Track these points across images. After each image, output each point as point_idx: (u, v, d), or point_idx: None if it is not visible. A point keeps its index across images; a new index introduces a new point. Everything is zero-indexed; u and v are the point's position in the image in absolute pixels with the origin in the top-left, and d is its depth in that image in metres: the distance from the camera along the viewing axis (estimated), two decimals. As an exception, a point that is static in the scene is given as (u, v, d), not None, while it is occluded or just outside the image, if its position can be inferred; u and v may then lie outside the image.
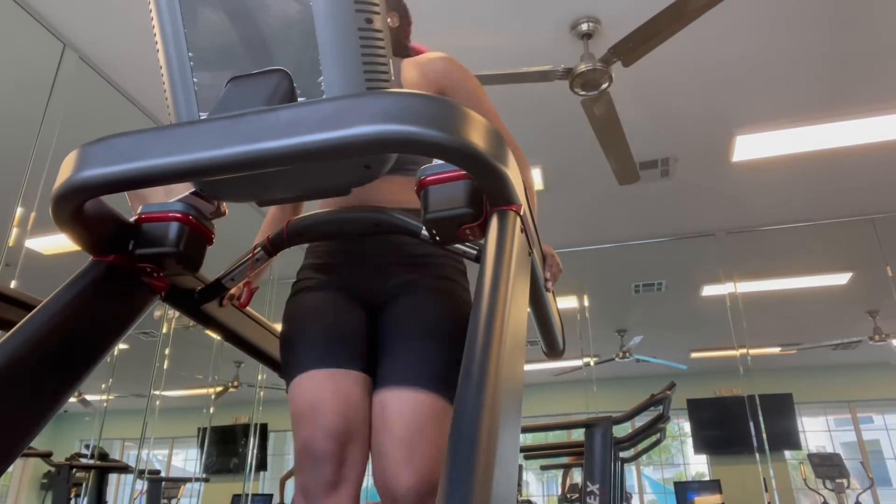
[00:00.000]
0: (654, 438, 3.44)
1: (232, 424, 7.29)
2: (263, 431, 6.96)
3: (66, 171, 0.67)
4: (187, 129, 0.65)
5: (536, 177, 4.51)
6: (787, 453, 7.02)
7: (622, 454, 3.37)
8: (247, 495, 6.29)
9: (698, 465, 8.04)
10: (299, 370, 1.09)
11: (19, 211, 3.14)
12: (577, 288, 6.28)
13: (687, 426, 7.62)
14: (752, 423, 5.36)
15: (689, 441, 7.50)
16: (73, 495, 4.73)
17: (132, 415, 6.06)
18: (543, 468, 6.90)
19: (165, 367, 5.43)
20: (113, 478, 5.99)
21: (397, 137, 0.60)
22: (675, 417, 7.19)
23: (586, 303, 6.29)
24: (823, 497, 5.98)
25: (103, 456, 6.14)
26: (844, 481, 5.70)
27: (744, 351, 5.51)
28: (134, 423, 5.63)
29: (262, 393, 6.33)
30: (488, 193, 0.76)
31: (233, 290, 1.08)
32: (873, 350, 6.45)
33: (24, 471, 7.06)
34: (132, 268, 0.85)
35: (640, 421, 3.28)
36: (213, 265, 0.99)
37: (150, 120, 3.81)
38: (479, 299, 0.65)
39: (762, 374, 5.81)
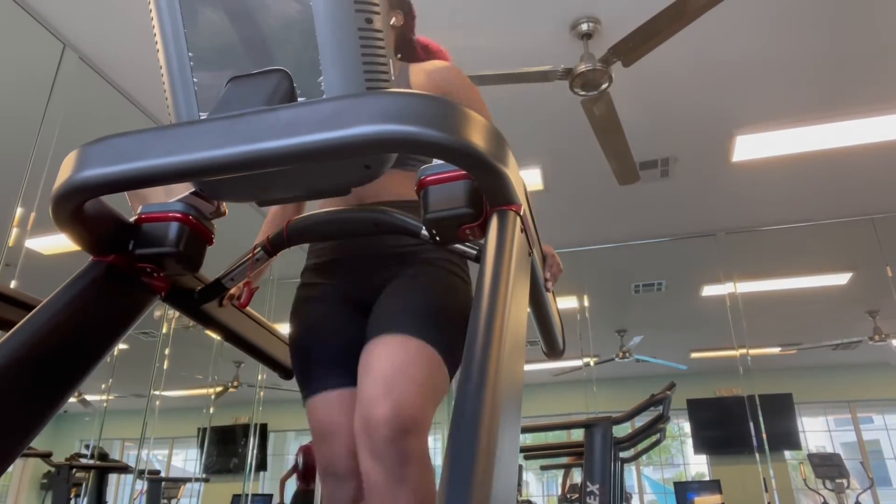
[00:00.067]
0: (654, 438, 3.44)
1: (232, 424, 7.29)
2: (263, 431, 6.96)
3: (66, 171, 0.67)
4: (187, 129, 0.65)
5: (536, 177, 4.52)
6: (787, 453, 7.02)
7: (622, 454, 3.37)
8: (247, 495, 6.28)
9: (698, 466, 8.04)
10: (311, 391, 1.16)
11: (19, 211, 3.14)
12: (577, 288, 6.28)
13: (687, 426, 7.62)
14: (752, 423, 5.36)
15: (689, 441, 7.51)
16: (72, 495, 4.72)
17: (132, 415, 6.05)
18: (543, 468, 6.91)
19: (165, 367, 5.43)
20: (113, 478, 5.99)
21: (397, 137, 0.60)
22: (675, 417, 7.19)
23: (586, 303, 6.28)
24: (823, 497, 5.98)
25: (103, 456, 6.14)
26: (844, 481, 5.70)
27: (744, 351, 5.51)
28: (134, 423, 5.63)
29: (262, 393, 6.32)
30: (488, 193, 0.76)
31: (233, 290, 1.08)
32: (873, 350, 6.45)
33: (24, 471, 7.06)
34: (132, 268, 0.85)
35: (640, 421, 3.28)
36: (213, 265, 0.99)
37: (150, 120, 3.81)
38: (479, 299, 0.65)
39: (762, 374, 5.81)
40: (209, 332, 1.15)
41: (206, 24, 0.74)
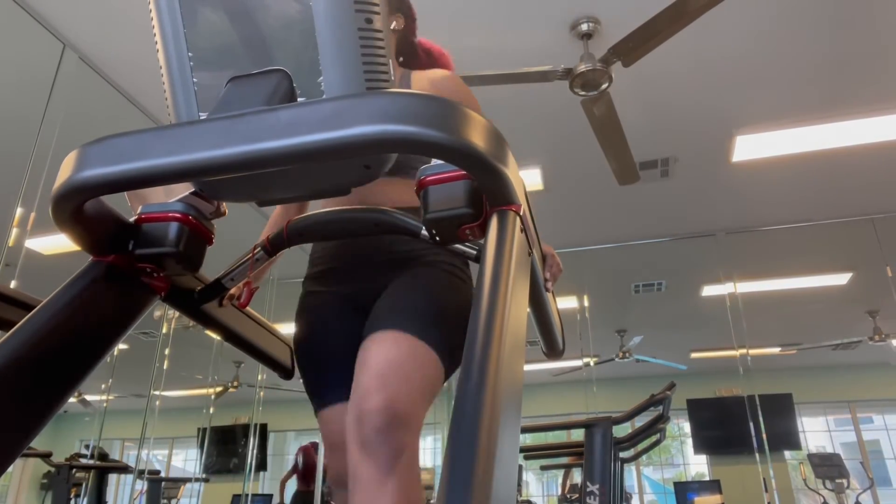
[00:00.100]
0: (653, 439, 3.44)
1: (232, 424, 7.30)
2: (263, 431, 6.97)
3: (65, 171, 0.67)
4: (187, 129, 0.65)
5: (536, 177, 4.52)
6: (787, 453, 7.03)
7: (622, 454, 3.37)
8: (247, 495, 6.28)
9: (698, 466, 8.05)
10: (322, 404, 1.20)
11: (19, 211, 3.14)
12: (577, 288, 6.28)
13: (687, 426, 7.63)
14: (751, 424, 5.36)
15: (689, 441, 7.51)
16: (72, 495, 4.73)
17: (132, 415, 6.05)
18: (543, 468, 6.91)
19: (165, 367, 5.43)
20: (113, 478, 5.99)
21: (397, 137, 0.60)
22: (675, 417, 7.19)
23: (586, 303, 6.29)
24: (823, 497, 5.98)
25: (103, 456, 6.14)
26: (844, 481, 5.70)
27: (744, 351, 5.51)
28: (134, 423, 5.63)
29: (262, 393, 6.32)
30: (488, 193, 0.76)
31: (233, 290, 1.08)
32: (873, 350, 6.46)
33: (24, 471, 7.06)
34: (132, 268, 0.85)
35: (640, 421, 3.28)
36: (213, 265, 0.99)
37: (150, 120, 3.81)
38: (478, 299, 0.65)
39: (762, 375, 5.81)
40: (209, 332, 1.15)
41: (206, 24, 0.74)
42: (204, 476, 7.02)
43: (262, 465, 7.36)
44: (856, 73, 3.57)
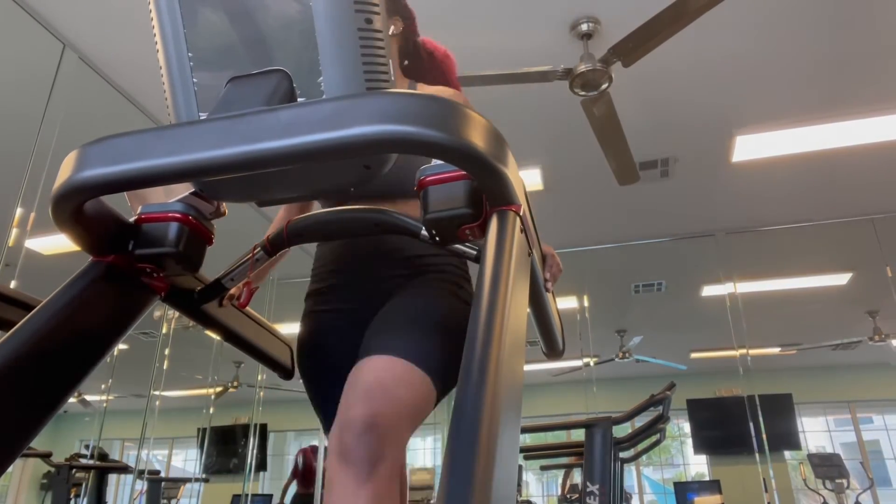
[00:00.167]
0: (653, 439, 3.44)
1: (232, 425, 7.30)
2: (263, 432, 6.96)
3: (65, 171, 0.67)
4: (187, 130, 0.65)
5: (536, 177, 4.52)
6: (787, 453, 7.03)
7: (622, 454, 3.37)
8: (246, 495, 6.29)
9: (698, 466, 8.05)
10: (328, 427, 1.19)
11: (19, 211, 3.14)
12: (576, 288, 6.28)
13: (687, 426, 7.63)
14: (751, 424, 5.36)
15: (689, 441, 7.51)
16: (72, 495, 4.73)
17: (132, 415, 6.06)
18: (543, 468, 6.90)
19: (165, 367, 5.43)
20: (113, 478, 5.99)
21: (397, 137, 0.60)
22: (675, 418, 7.19)
23: (586, 303, 6.29)
24: (823, 497, 5.98)
25: (103, 456, 6.14)
26: (844, 481, 5.70)
27: (743, 351, 5.51)
28: (134, 424, 5.64)
29: (261, 393, 6.33)
30: (488, 193, 0.76)
31: (232, 291, 1.08)
32: (873, 350, 6.46)
33: (24, 471, 7.06)
34: (132, 268, 0.85)
35: (639, 421, 3.28)
36: (213, 265, 0.99)
37: (150, 120, 3.81)
38: (478, 299, 0.65)
39: (762, 375, 5.81)
40: (209, 332, 1.15)
41: (206, 24, 0.74)
42: (204, 476, 7.02)
43: (261, 466, 7.36)
44: (856, 73, 3.57)
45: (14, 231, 3.12)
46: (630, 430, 3.34)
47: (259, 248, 1.04)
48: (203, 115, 0.74)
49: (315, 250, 1.40)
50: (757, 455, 5.35)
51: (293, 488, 6.86)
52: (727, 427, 6.45)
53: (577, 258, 5.69)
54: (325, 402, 1.23)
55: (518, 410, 0.65)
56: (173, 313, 5.42)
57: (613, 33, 3.02)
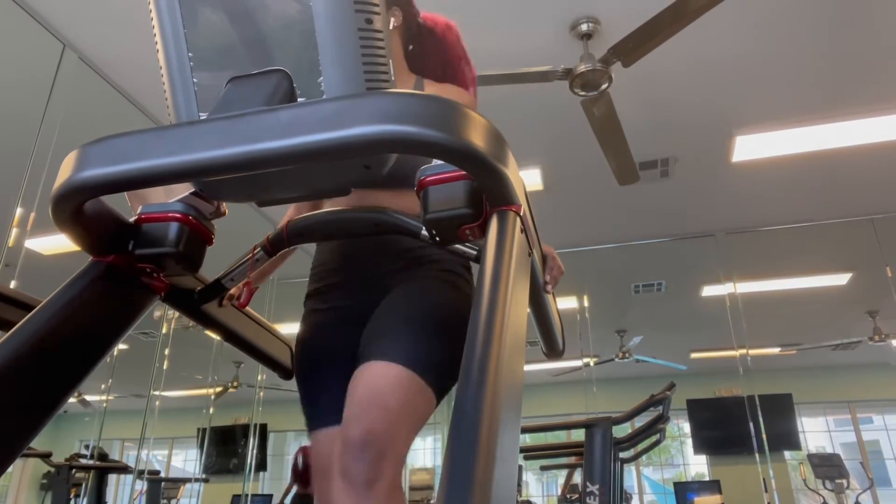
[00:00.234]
0: (653, 439, 3.44)
1: (232, 425, 7.30)
2: (263, 432, 6.96)
3: (65, 171, 0.67)
4: (187, 130, 0.65)
5: (536, 177, 4.52)
6: (787, 454, 7.03)
7: (622, 454, 3.37)
8: (246, 495, 6.29)
9: (698, 466, 8.05)
10: (313, 426, 1.22)
11: (19, 211, 3.14)
12: (577, 288, 6.28)
13: (687, 426, 7.63)
14: (751, 424, 5.36)
15: (689, 441, 7.51)
16: (72, 495, 4.73)
17: (132, 415, 6.06)
18: (543, 468, 6.90)
19: (165, 367, 5.43)
20: (112, 478, 5.99)
21: (397, 137, 0.60)
22: (675, 418, 7.20)
23: (586, 303, 6.29)
24: (823, 497, 5.98)
25: (103, 456, 6.14)
26: (844, 482, 5.70)
27: (743, 351, 5.51)
28: (134, 424, 5.63)
29: (261, 393, 6.33)
30: (488, 194, 0.76)
31: (232, 291, 1.08)
32: (873, 350, 6.46)
33: (24, 471, 7.06)
34: (132, 268, 0.85)
35: (639, 421, 3.28)
36: (213, 265, 0.99)
37: (150, 120, 3.81)
38: (478, 300, 0.65)
39: (762, 375, 5.81)
40: (209, 333, 1.15)
41: (206, 24, 0.74)
42: (204, 476, 7.03)
43: (261, 466, 7.36)
44: (856, 73, 3.57)
45: (14, 231, 3.12)
46: (630, 431, 3.34)
47: (259, 249, 1.04)
48: (203, 116, 0.74)
49: (314, 251, 1.40)
50: (757, 455, 5.35)
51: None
52: (727, 427, 6.45)
53: (577, 258, 5.69)
54: (322, 392, 1.22)
55: (518, 410, 0.65)
56: (173, 313, 5.42)
57: (613, 33, 3.02)
